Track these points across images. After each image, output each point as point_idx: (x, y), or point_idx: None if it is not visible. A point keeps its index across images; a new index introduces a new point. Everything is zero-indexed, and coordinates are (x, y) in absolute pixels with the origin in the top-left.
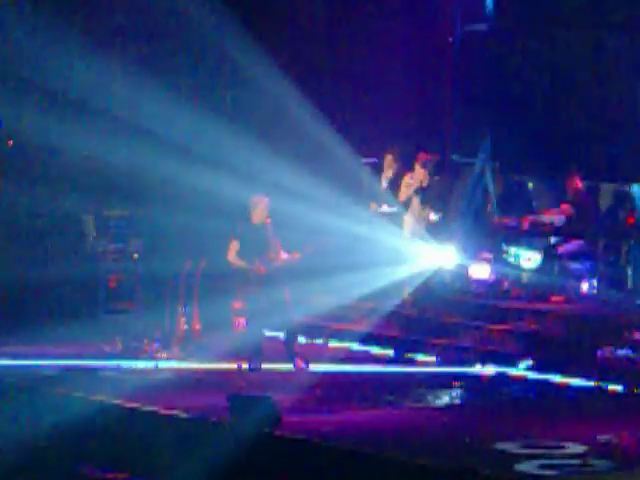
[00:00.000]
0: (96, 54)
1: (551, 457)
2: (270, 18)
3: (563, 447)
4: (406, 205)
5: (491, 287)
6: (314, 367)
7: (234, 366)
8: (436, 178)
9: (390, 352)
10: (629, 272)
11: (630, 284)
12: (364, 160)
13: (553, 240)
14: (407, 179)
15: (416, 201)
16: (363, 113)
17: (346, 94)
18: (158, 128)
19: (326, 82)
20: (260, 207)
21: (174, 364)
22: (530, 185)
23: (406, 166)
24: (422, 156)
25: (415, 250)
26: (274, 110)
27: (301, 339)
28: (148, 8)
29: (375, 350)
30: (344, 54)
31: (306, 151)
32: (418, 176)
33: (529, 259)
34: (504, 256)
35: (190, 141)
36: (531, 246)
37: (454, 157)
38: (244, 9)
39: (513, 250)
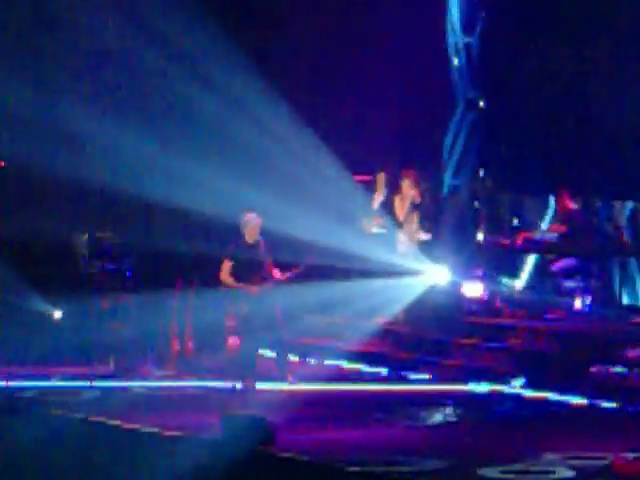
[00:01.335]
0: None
1: None
2: (262, 36)
3: (553, 472)
4: (404, 223)
5: (484, 305)
6: (308, 386)
7: (227, 385)
8: (426, 199)
9: (383, 370)
10: (622, 289)
11: (623, 301)
12: (357, 178)
13: (546, 257)
14: (398, 200)
15: (413, 218)
16: (356, 131)
17: (339, 112)
18: (149, 148)
19: (318, 99)
20: (253, 226)
21: (167, 383)
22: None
23: (397, 186)
24: (408, 173)
25: (408, 269)
26: (266, 131)
27: (295, 358)
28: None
29: (368, 368)
30: (338, 72)
31: (297, 169)
32: (411, 194)
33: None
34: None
35: (182, 162)
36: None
37: (446, 178)
38: (234, 24)
39: (505, 279)
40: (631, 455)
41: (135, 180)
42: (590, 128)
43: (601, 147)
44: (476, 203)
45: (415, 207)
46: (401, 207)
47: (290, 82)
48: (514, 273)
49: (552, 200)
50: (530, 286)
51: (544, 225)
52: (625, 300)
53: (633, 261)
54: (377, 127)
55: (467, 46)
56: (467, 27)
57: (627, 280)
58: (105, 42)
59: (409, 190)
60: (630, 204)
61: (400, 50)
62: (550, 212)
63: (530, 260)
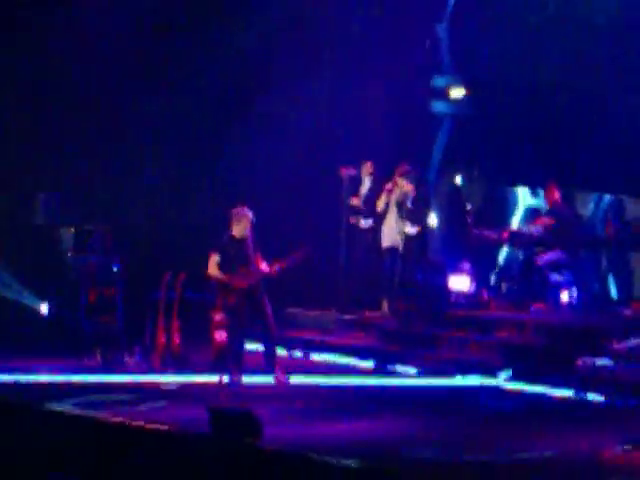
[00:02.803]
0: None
1: None
2: (242, 32)
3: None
4: (383, 216)
5: (471, 298)
6: (295, 379)
7: (215, 379)
8: (413, 193)
9: (371, 364)
10: (608, 282)
11: (609, 294)
12: (344, 172)
13: (533, 250)
14: (386, 192)
15: (395, 212)
16: (344, 125)
17: (328, 105)
18: (142, 140)
19: (306, 92)
20: (243, 221)
21: (154, 377)
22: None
23: (384, 179)
24: (403, 167)
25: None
26: (257, 120)
27: (281, 351)
28: None
29: (356, 362)
30: (324, 64)
31: (284, 161)
32: (400, 187)
33: None
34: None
35: (172, 154)
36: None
37: (430, 176)
38: (214, 29)
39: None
40: (618, 447)
41: (125, 170)
42: (578, 120)
43: (589, 138)
44: (462, 198)
45: (402, 200)
46: (386, 199)
47: (271, 76)
48: (494, 267)
49: (519, 195)
50: (501, 277)
51: (515, 221)
52: (611, 293)
53: (614, 253)
54: (365, 121)
55: (435, 32)
56: (436, 13)
57: (614, 273)
58: None
59: (402, 184)
60: (608, 196)
61: (386, 40)
62: (520, 208)
63: (502, 253)
